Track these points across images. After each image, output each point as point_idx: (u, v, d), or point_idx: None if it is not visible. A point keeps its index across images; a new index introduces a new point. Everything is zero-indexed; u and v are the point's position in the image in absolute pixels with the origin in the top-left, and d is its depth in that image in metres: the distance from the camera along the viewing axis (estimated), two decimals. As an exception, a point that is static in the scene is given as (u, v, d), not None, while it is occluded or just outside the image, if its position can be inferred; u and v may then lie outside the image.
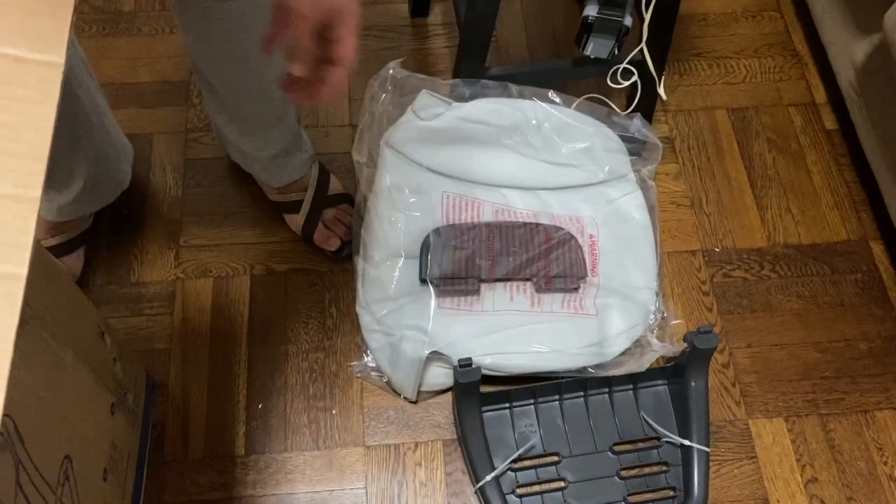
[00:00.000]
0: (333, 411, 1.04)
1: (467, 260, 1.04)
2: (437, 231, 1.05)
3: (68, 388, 0.72)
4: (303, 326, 1.09)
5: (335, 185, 1.15)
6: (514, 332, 1.01)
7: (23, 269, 0.36)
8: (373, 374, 1.05)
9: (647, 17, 0.96)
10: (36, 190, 0.38)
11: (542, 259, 1.06)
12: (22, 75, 0.40)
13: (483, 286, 1.04)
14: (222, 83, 0.93)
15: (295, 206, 1.12)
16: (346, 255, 1.12)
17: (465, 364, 0.94)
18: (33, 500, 0.61)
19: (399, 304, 1.02)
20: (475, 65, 1.04)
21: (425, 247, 1.04)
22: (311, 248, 1.13)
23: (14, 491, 0.58)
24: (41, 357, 0.66)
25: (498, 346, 1.00)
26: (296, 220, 1.12)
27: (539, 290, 1.05)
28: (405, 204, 1.06)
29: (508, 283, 1.05)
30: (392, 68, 1.06)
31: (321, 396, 1.04)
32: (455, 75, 1.08)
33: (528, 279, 1.05)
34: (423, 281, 1.03)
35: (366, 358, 1.05)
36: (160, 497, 0.96)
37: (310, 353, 1.07)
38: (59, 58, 0.41)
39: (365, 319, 1.03)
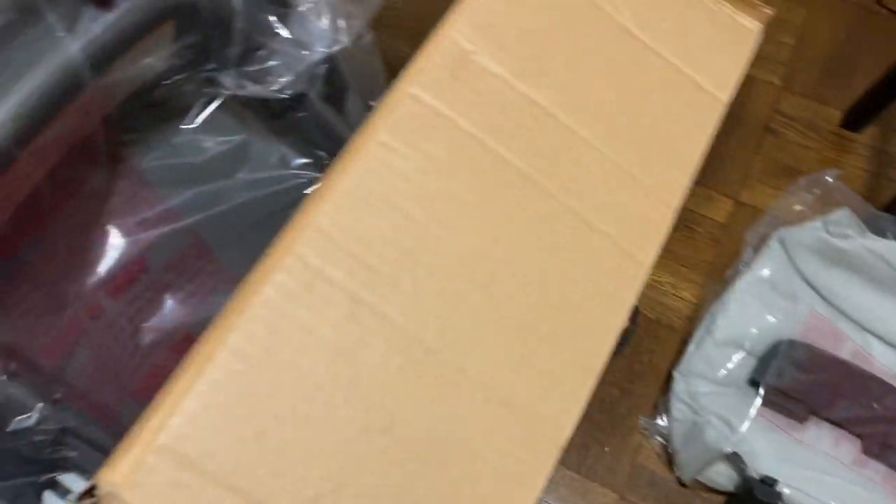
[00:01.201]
0: (606, 448, 1.05)
1: (809, 385, 1.00)
2: (791, 342, 1.02)
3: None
4: (613, 359, 1.11)
5: None
6: (824, 478, 0.96)
7: (648, 260, 0.41)
8: (657, 437, 1.05)
9: None
10: (677, 202, 0.43)
11: (885, 424, 0.99)
12: (697, 100, 0.45)
13: (812, 418, 0.99)
14: None
15: None
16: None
17: (770, 483, 0.91)
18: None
19: (720, 391, 1.01)
20: (921, 211, 0.98)
21: (773, 351, 1.02)
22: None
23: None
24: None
25: (801, 483, 0.95)
26: None
27: (867, 452, 0.98)
28: (771, 302, 1.04)
29: (838, 429, 0.99)
30: (830, 176, 1.03)
31: (601, 428, 1.07)
32: (886, 209, 1.03)
33: (860, 436, 0.99)
34: (752, 382, 1.01)
35: (658, 419, 1.05)
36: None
37: (609, 385, 1.09)
38: (724, 95, 0.46)
39: (679, 386, 1.04)
